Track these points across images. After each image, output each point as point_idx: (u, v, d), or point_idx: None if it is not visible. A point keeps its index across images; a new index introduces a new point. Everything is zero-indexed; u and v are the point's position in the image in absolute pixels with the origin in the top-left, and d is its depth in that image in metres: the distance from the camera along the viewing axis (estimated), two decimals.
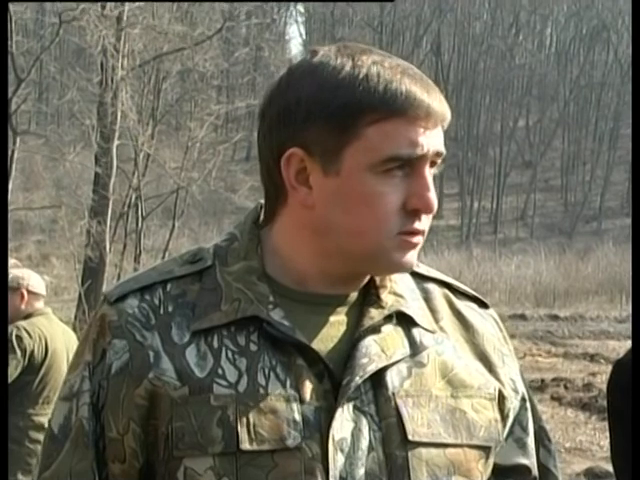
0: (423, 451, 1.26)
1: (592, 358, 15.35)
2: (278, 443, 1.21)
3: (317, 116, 1.24)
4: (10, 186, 15.80)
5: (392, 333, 1.30)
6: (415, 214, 1.25)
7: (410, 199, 1.25)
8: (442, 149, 1.27)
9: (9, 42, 15.39)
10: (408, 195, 1.25)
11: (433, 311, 1.36)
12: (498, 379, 1.36)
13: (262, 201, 1.35)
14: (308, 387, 1.24)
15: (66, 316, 15.09)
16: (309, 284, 1.30)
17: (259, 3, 24.77)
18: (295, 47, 60.14)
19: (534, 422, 1.42)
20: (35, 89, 35.14)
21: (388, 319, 1.30)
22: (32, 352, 4.43)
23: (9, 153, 15.51)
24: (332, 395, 1.25)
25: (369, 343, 1.27)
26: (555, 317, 22.93)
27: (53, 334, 4.52)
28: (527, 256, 31.18)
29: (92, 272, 17.53)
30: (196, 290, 1.30)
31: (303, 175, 1.26)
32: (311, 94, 1.24)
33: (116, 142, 17.66)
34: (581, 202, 46.77)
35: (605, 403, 2.15)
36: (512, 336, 13.64)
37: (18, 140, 16.99)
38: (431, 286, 1.39)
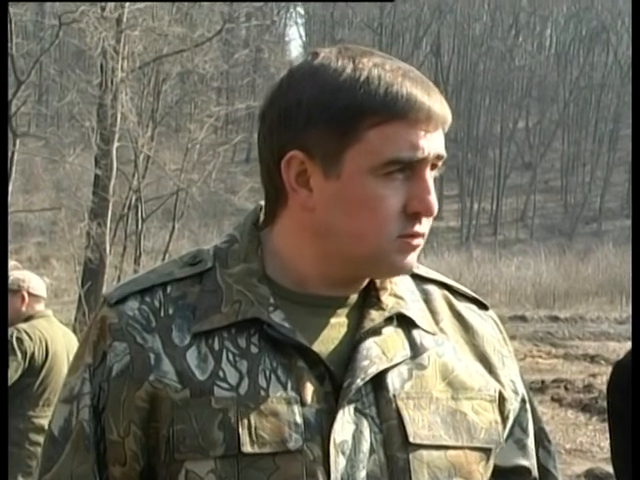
0: (424, 453, 1.26)
1: (592, 359, 15.35)
2: (279, 446, 1.21)
3: (318, 119, 1.23)
4: (10, 188, 15.81)
5: (393, 335, 1.30)
6: (416, 217, 1.25)
7: (411, 202, 1.24)
8: (443, 152, 1.27)
9: (9, 44, 15.40)
10: (409, 198, 1.24)
11: (433, 313, 1.36)
12: (498, 380, 1.36)
13: (262, 203, 1.35)
14: (309, 389, 1.24)
15: (66, 318, 15.09)
16: (309, 286, 1.30)
17: (259, 5, 24.80)
18: (295, 49, 60.15)
19: (534, 423, 1.42)
20: (35, 91, 35.14)
21: (388, 321, 1.30)
22: (32, 354, 4.42)
23: (9, 155, 15.51)
24: (333, 397, 1.24)
25: (370, 345, 1.27)
26: (555, 318, 22.92)
27: (53, 336, 4.52)
28: (527, 257, 31.19)
29: (92, 274, 17.54)
30: (196, 292, 1.29)
31: (303, 177, 1.26)
32: (312, 96, 1.24)
33: (116, 144, 17.68)
34: (581, 203, 46.76)
35: (605, 404, 2.15)
36: (512, 337, 13.66)
37: (18, 142, 17.02)
38: (431, 288, 1.39)
